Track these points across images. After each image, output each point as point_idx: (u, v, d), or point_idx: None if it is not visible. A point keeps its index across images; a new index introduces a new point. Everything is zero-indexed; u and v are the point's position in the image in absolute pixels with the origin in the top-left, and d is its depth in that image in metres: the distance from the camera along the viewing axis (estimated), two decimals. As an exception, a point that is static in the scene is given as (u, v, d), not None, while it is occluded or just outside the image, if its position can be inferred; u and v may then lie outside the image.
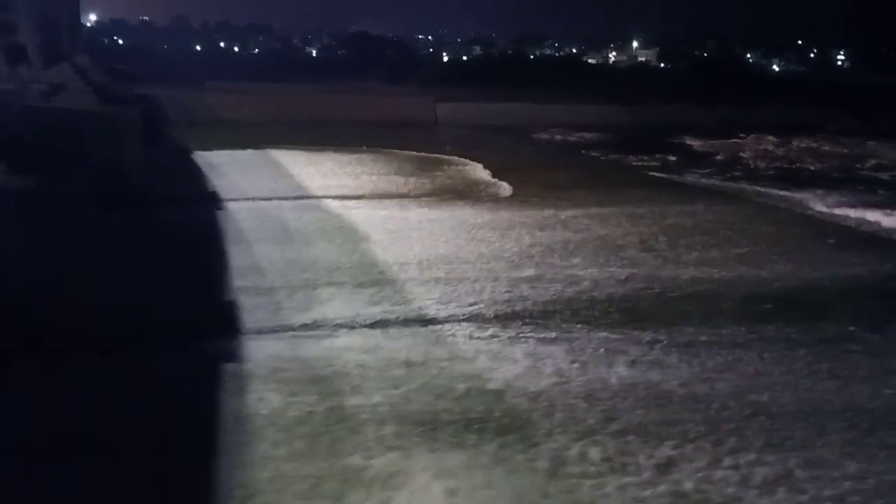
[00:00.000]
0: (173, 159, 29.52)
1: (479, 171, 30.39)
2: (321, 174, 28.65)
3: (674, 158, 37.72)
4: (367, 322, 12.80)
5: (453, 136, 45.12)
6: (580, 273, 15.91)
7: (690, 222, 21.48)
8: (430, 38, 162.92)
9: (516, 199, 24.33)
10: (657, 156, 37.89)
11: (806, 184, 29.49)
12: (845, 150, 43.90)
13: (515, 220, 21.06)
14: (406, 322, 12.87)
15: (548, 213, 22.22)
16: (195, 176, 26.93)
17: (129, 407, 9.36)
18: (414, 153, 35.20)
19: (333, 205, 22.79)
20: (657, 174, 32.42)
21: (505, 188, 26.40)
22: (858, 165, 37.28)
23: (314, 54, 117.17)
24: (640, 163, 36.09)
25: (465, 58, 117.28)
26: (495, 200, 24.17)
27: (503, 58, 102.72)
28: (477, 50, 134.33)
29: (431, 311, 13.40)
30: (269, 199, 23.52)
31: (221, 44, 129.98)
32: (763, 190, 28.21)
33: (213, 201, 22.44)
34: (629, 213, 22.54)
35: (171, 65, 72.39)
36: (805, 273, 16.45)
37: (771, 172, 33.60)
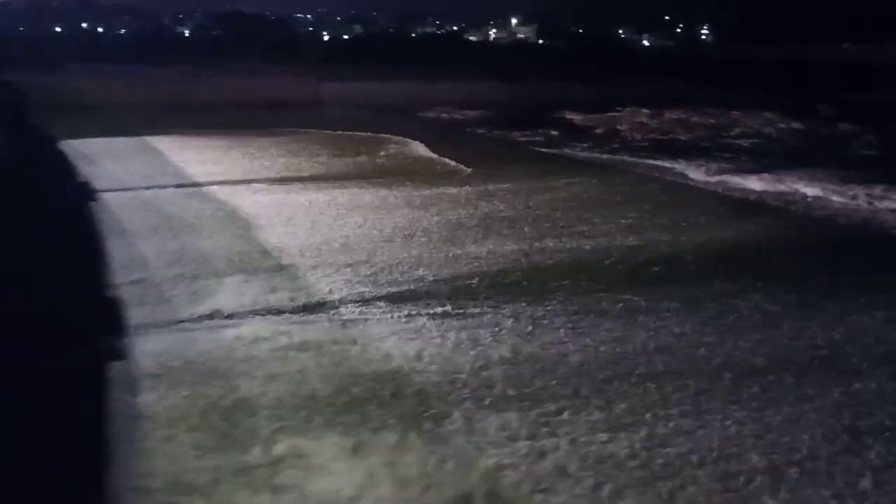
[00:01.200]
0: (39, 148, 27.59)
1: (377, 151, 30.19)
2: (204, 160, 27.62)
3: (556, 133, 38.76)
4: (263, 310, 12.48)
5: (339, 116, 44.47)
6: (474, 250, 16.13)
7: (578, 194, 22.23)
8: (308, 16, 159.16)
9: (405, 180, 24.33)
10: (540, 131, 38.84)
11: (680, 153, 31.07)
12: (712, 121, 46.55)
13: (408, 200, 21.09)
14: (304, 308, 12.63)
15: (437, 191, 22.40)
16: (65, 166, 25.33)
17: (6, 415, 8.76)
18: (286, 136, 34.49)
19: (219, 191, 22.04)
20: (542, 149, 33.27)
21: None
22: (725, 134, 39.68)
23: (187, 34, 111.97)
24: (524, 138, 36.89)
25: (346, 37, 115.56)
26: (403, 183, 24.03)
27: (385, 36, 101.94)
28: (358, 29, 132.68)
29: (331, 296, 13.22)
30: (151, 188, 22.45)
31: (84, 24, 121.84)
32: (642, 161, 29.52)
33: (87, 192, 21.18)
34: (519, 187, 23.07)
35: (29, 48, 67.27)
36: (687, 238, 17.36)
37: (647, 144, 35.16)
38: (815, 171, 26.24)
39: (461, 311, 12.42)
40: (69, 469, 7.86)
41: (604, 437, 8.57)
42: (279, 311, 12.43)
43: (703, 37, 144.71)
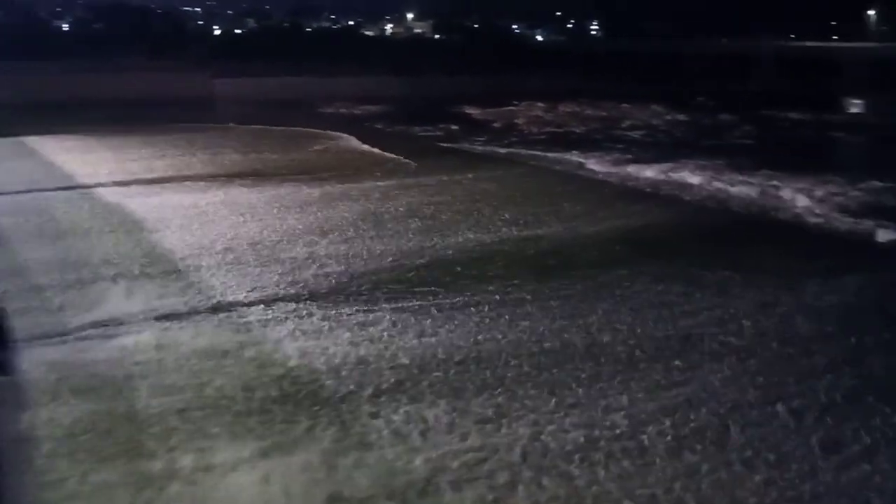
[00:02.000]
0: None
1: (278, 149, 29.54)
2: (93, 160, 26.27)
3: (456, 128, 39.13)
4: (159, 316, 11.99)
5: (235, 112, 43.27)
6: (378, 247, 16.05)
7: (478, 188, 22.53)
8: (198, 9, 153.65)
9: (313, 176, 23.98)
10: (440, 126, 39.12)
11: (575, 146, 31.98)
12: (604, 113, 48.22)
13: (312, 196, 20.81)
14: (202, 312, 12.22)
15: (345, 186, 22.20)
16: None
17: None
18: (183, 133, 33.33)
19: (113, 193, 21.06)
20: (442, 144, 33.52)
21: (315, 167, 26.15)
22: (616, 126, 41.16)
23: (66, 29, 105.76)
24: (425, 133, 37.06)
25: (238, 31, 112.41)
26: (302, 180, 23.59)
27: (279, 31, 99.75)
28: (251, 22, 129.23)
29: (229, 298, 12.85)
30: (31, 191, 21.15)
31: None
32: (540, 154, 30.22)
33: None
34: (422, 182, 23.17)
35: None
36: (585, 228, 17.92)
37: (544, 137, 36.04)
38: (701, 160, 27.64)
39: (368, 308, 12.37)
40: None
41: (489, 428, 8.77)
42: (177, 317, 11.99)
43: (593, 32, 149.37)
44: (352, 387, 9.55)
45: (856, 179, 24.47)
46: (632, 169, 26.15)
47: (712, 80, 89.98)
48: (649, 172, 25.34)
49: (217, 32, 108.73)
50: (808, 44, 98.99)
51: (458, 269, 14.46)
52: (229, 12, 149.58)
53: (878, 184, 23.97)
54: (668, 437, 8.36)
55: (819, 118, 48.59)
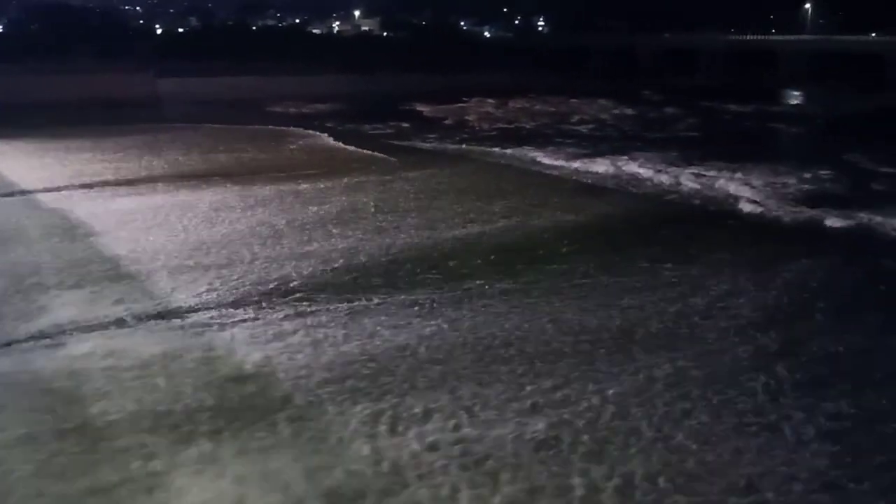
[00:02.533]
0: None
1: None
2: (37, 165, 25.52)
3: (407, 125, 39.10)
4: (109, 323, 11.71)
5: (181, 113, 42.46)
6: (324, 247, 15.93)
7: (433, 186, 22.55)
8: (138, 8, 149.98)
9: (264, 177, 23.67)
10: (391, 123, 39.04)
11: (526, 141, 32.27)
12: (553, 109, 48.76)
13: (263, 197, 20.55)
14: (153, 317, 11.97)
15: (290, 186, 21.99)
16: None
17: None
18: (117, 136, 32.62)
19: (57, 198, 20.50)
20: (395, 141, 33.44)
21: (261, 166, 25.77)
22: (566, 121, 41.69)
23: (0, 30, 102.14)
24: (376, 131, 36.91)
25: (181, 30, 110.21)
26: (249, 180, 23.25)
27: (224, 29, 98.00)
28: (194, 21, 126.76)
29: (180, 303, 12.62)
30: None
31: None
32: (491, 150, 30.39)
33: None
34: (375, 180, 23.10)
35: None
36: (538, 221, 18.13)
37: (495, 133, 36.27)
38: (648, 153, 28.21)
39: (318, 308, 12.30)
40: None
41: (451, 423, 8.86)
42: (124, 324, 11.72)
43: (540, 28, 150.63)
44: (311, 394, 9.51)
45: (796, 169, 25.27)
46: (582, 163, 26.50)
47: (657, 75, 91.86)
48: (599, 166, 25.73)
49: (159, 31, 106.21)
50: (749, 37, 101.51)
51: (419, 268, 14.48)
52: (171, 11, 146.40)
53: (816, 172, 24.82)
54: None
55: (760, 110, 50.02)
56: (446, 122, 41.51)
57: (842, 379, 9.89)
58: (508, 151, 29.70)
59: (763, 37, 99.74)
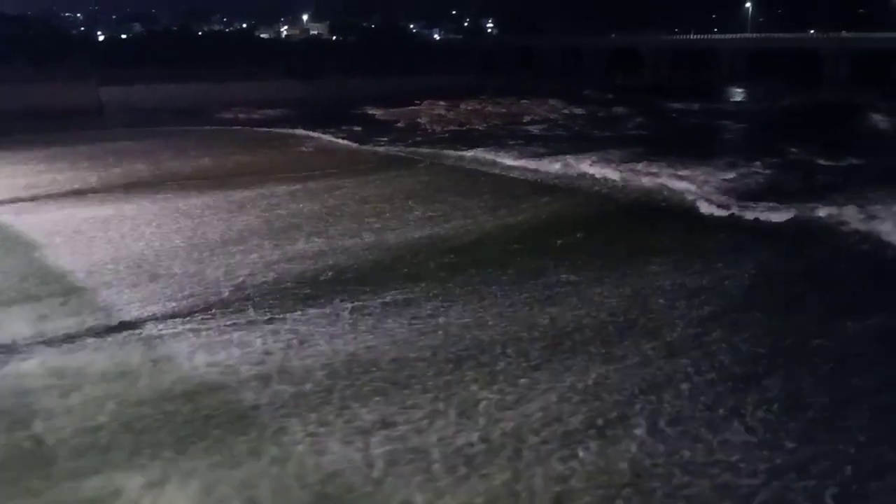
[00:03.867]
0: None
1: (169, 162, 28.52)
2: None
3: (360, 129, 38.93)
4: (58, 337, 11.40)
5: (125, 122, 41.53)
6: (274, 254, 15.80)
7: (389, 190, 22.49)
8: (79, 15, 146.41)
9: (191, 185, 23.29)
10: (344, 127, 38.82)
11: (479, 142, 32.41)
12: (504, 110, 49.12)
13: (215, 205, 20.23)
14: (104, 331, 11.69)
15: (252, 193, 21.71)
16: None
17: None
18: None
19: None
20: (348, 145, 33.28)
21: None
22: (518, 122, 42.04)
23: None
24: (327, 135, 36.65)
25: (124, 36, 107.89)
26: (198, 188, 22.84)
27: (169, 35, 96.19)
28: (137, 27, 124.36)
29: (131, 315, 12.35)
30: None
31: None
32: (447, 151, 30.42)
33: None
34: (327, 185, 22.95)
35: None
36: (492, 223, 18.22)
37: (447, 135, 36.35)
38: (599, 152, 28.60)
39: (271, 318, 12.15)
40: None
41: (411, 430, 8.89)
42: (71, 339, 11.40)
43: (489, 29, 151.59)
44: (268, 399, 9.42)
45: (740, 164, 25.98)
46: (535, 163, 26.73)
47: (605, 74, 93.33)
48: (552, 166, 25.99)
49: (101, 39, 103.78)
50: (692, 37, 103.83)
51: (372, 273, 14.44)
52: (113, 17, 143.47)
53: (759, 167, 25.56)
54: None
55: (705, 107, 51.19)
56: (398, 124, 41.48)
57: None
58: (461, 153, 29.81)
59: (705, 36, 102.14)
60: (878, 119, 45.50)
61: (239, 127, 41.71)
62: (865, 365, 10.36)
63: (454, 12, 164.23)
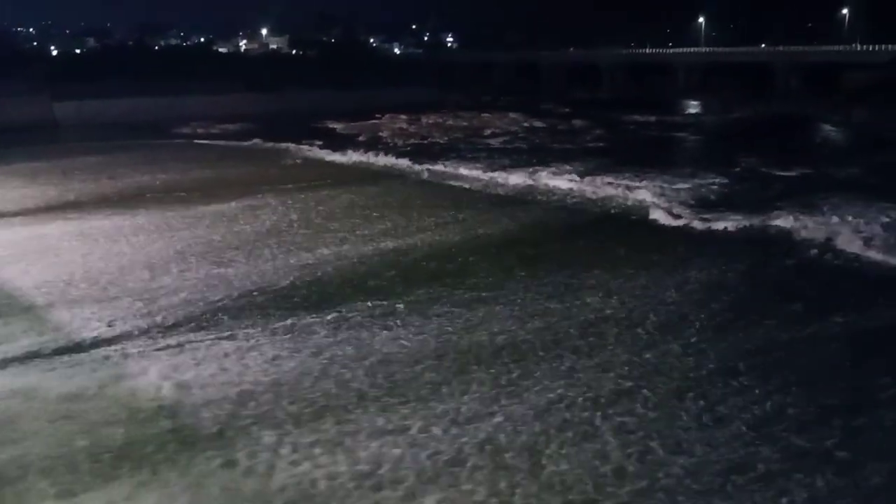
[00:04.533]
0: None
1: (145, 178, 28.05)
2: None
3: (320, 143, 38.75)
4: (14, 358, 11.09)
5: (79, 137, 40.73)
6: (229, 271, 15.60)
7: (349, 202, 22.42)
8: (31, 30, 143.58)
9: (142, 202, 22.95)
10: (304, 141, 38.60)
11: (441, 156, 32.52)
12: (465, 123, 49.42)
13: (165, 223, 19.90)
14: (62, 351, 11.41)
15: (200, 209, 21.43)
16: None
17: None
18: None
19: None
20: (310, 158, 33.12)
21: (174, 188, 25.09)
22: (479, 135, 42.31)
23: None
24: (291, 149, 36.43)
25: (78, 51, 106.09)
26: (160, 203, 22.47)
27: (124, 49, 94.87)
28: (92, 42, 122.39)
29: (92, 333, 12.08)
30: None
31: None
32: (409, 165, 30.38)
33: None
34: (285, 199, 22.78)
35: None
36: (456, 236, 18.28)
37: (409, 148, 36.38)
38: (559, 164, 28.97)
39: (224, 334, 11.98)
40: None
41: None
42: (24, 361, 11.03)
43: (449, 44, 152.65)
44: (238, 419, 9.30)
45: (696, 175, 26.55)
46: (497, 176, 26.93)
47: (565, 88, 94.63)
48: (513, 178, 26.22)
49: (54, 53, 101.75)
50: (647, 51, 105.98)
51: (333, 288, 14.36)
52: (67, 31, 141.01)
53: (715, 178, 26.13)
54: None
55: (661, 120, 52.23)
56: (360, 138, 41.43)
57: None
58: (425, 167, 29.90)
59: (661, 50, 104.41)
60: (828, 130, 46.99)
61: (198, 141, 41.24)
62: (820, 371, 10.63)
63: (414, 27, 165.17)
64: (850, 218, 18.90)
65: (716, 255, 16.20)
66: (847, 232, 17.57)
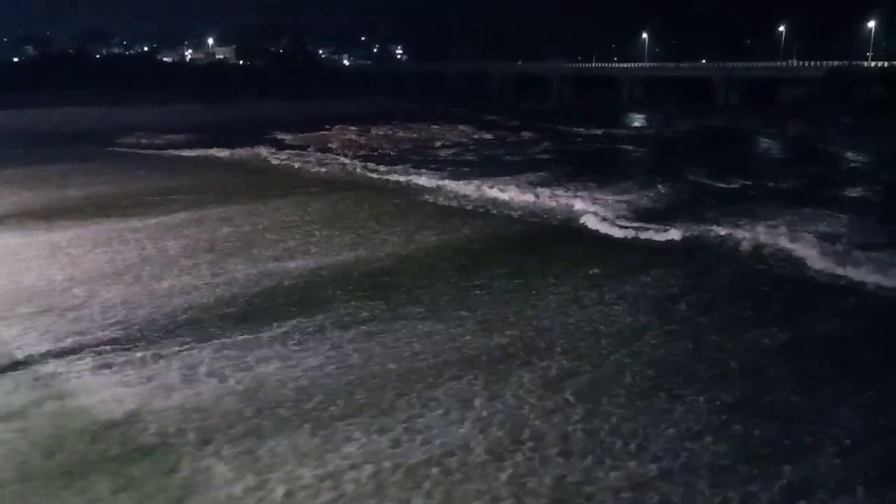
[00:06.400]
0: None
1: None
2: None
3: (269, 152, 38.39)
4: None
5: (12, 147, 39.53)
6: (178, 283, 15.41)
7: (297, 215, 22.26)
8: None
9: (79, 213, 22.43)
10: (254, 152, 38.20)
11: (391, 167, 32.49)
12: (415, 135, 49.61)
13: (104, 235, 19.47)
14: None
15: (132, 223, 21.01)
16: None
17: None
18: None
19: None
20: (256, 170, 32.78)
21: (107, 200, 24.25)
22: (429, 147, 42.52)
23: None
24: (238, 157, 36.03)
25: (15, 59, 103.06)
26: (88, 216, 21.93)
27: (64, 58, 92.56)
28: (30, 50, 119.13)
29: (28, 350, 11.72)
30: None
31: None
32: (359, 175, 30.32)
33: None
34: (231, 211, 22.51)
35: None
36: (406, 246, 18.32)
37: (358, 160, 36.31)
38: (507, 176, 29.32)
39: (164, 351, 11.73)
40: None
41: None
42: None
43: (399, 55, 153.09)
44: (182, 437, 9.13)
45: (641, 187, 27.20)
46: (445, 187, 27.10)
47: (514, 100, 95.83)
48: (462, 189, 26.40)
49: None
50: (593, 65, 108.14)
51: (284, 301, 14.25)
52: (4, 40, 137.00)
53: (658, 189, 26.81)
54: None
55: (607, 132, 53.35)
56: (309, 149, 41.18)
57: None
58: (375, 177, 29.87)
59: (606, 64, 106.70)
60: (765, 143, 48.70)
61: (141, 151, 40.41)
62: (761, 377, 10.99)
63: (363, 38, 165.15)
64: (784, 227, 19.60)
65: (657, 265, 16.58)
66: (784, 239, 18.23)
